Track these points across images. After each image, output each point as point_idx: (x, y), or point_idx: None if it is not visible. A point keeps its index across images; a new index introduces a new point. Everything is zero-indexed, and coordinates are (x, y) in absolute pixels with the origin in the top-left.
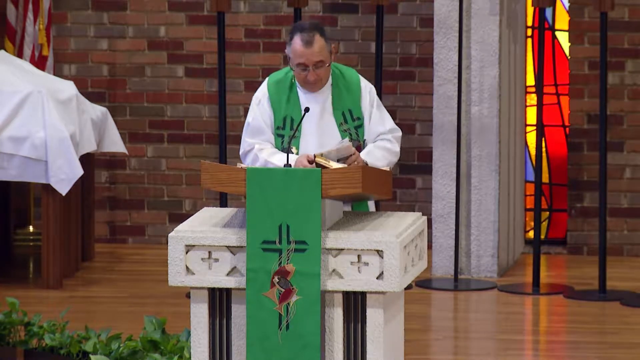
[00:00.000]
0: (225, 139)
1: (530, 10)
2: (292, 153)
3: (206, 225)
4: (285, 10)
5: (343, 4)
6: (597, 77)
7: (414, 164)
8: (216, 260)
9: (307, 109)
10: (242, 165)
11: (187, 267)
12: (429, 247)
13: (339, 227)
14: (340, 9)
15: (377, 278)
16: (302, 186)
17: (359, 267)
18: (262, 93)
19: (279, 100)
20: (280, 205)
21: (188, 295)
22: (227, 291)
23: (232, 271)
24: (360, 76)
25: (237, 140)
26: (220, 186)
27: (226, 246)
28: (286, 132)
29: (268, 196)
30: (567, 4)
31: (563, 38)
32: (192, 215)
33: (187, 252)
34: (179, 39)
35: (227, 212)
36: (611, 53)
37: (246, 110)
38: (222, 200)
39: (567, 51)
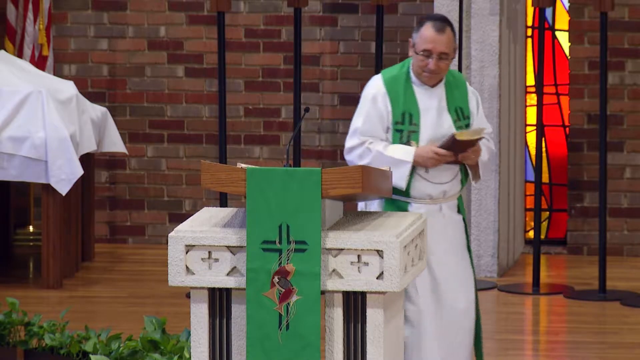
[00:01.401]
0: (225, 139)
1: (530, 10)
2: (412, 148)
3: (206, 225)
4: (285, 10)
5: (343, 4)
6: (597, 77)
7: None
8: (216, 260)
9: (306, 109)
10: (242, 165)
11: (187, 267)
12: None
13: (339, 227)
14: (340, 9)
15: (377, 278)
16: (302, 186)
17: (359, 267)
18: (377, 89)
19: (396, 96)
20: (280, 205)
21: (188, 295)
22: (227, 291)
23: (232, 271)
24: (465, 78)
25: (237, 140)
26: (220, 186)
27: (226, 246)
28: (405, 127)
29: (268, 196)
30: (567, 4)
31: (563, 38)
32: (192, 215)
33: (187, 252)
34: (179, 39)
35: (227, 212)
36: (611, 53)
37: (246, 110)
38: (222, 200)
39: (567, 51)
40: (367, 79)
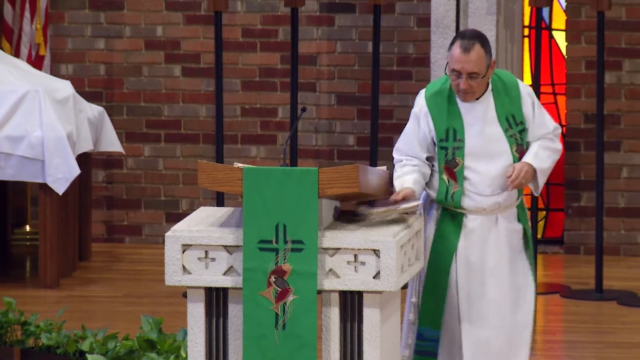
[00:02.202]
0: (222, 138)
1: (527, 9)
2: (457, 165)
3: (203, 224)
4: (282, 10)
5: (340, 3)
6: (594, 76)
7: None
8: (213, 259)
9: (303, 109)
10: (239, 165)
11: (183, 267)
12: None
13: (335, 226)
14: (338, 9)
15: (373, 277)
16: (299, 186)
17: (355, 267)
18: (419, 107)
19: (439, 113)
20: (277, 205)
21: (185, 295)
22: (224, 290)
23: (229, 270)
24: (518, 80)
25: (234, 140)
26: (217, 186)
27: (223, 245)
28: (449, 144)
29: (265, 195)
30: (564, 4)
31: (560, 37)
32: (189, 214)
33: (183, 252)
34: (176, 38)
35: (223, 211)
36: (608, 52)
37: (243, 110)
38: (219, 200)
39: (564, 51)
40: (364, 78)
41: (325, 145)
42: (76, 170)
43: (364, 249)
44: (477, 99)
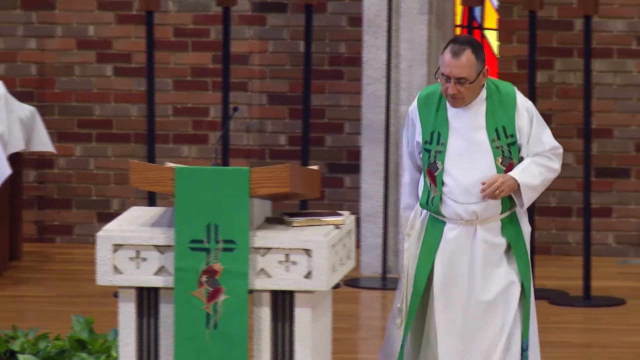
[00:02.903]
0: (153, 138)
1: (459, 9)
2: (438, 169)
3: (134, 224)
4: (214, 10)
5: (272, 3)
6: (526, 75)
7: (342, 163)
8: (144, 259)
9: (235, 108)
10: (171, 165)
11: (115, 267)
12: (357, 246)
13: (267, 226)
14: (269, 8)
15: (305, 277)
16: (230, 185)
17: (287, 266)
18: (412, 108)
19: (427, 114)
20: (209, 205)
21: (116, 295)
22: (155, 290)
23: (160, 270)
24: (517, 92)
25: (166, 139)
26: (148, 185)
27: (154, 245)
28: (432, 147)
29: (196, 195)
30: (496, 3)
31: (492, 37)
32: (121, 214)
33: (115, 252)
34: (108, 38)
35: (155, 211)
36: (540, 52)
37: (175, 110)
38: (151, 200)
39: (496, 50)
40: (296, 78)
41: (257, 144)
42: (7, 170)
43: (296, 249)
44: (468, 105)
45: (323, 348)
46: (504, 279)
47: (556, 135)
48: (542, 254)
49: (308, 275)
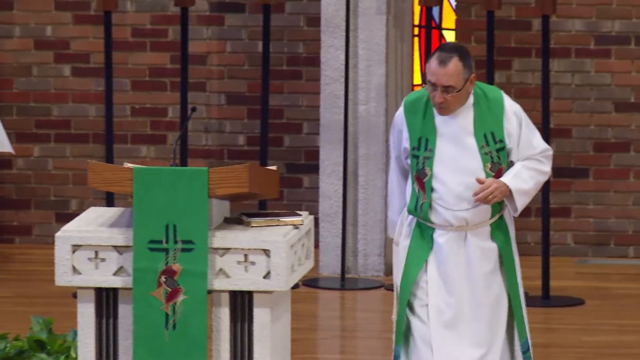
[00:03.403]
0: (112, 138)
1: (417, 9)
2: (427, 175)
3: (93, 225)
4: (172, 10)
5: (230, 3)
6: (484, 76)
7: (301, 163)
8: (103, 260)
9: (193, 109)
10: (129, 165)
11: (73, 267)
12: (316, 246)
13: (225, 226)
14: (227, 9)
15: (264, 277)
16: (189, 186)
17: (245, 267)
18: (398, 114)
19: (414, 120)
20: (167, 205)
21: (75, 295)
22: (114, 291)
23: (119, 271)
24: (505, 97)
25: (124, 139)
26: (107, 186)
27: (113, 246)
28: (420, 153)
29: (155, 196)
30: (454, 3)
31: (450, 37)
32: (79, 215)
33: (73, 252)
34: (66, 38)
35: (113, 211)
36: (498, 52)
37: (133, 110)
38: (109, 200)
39: None
40: (254, 78)
41: (216, 145)
42: None
43: (254, 249)
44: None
45: (282, 348)
46: (496, 291)
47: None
48: None
49: (267, 276)
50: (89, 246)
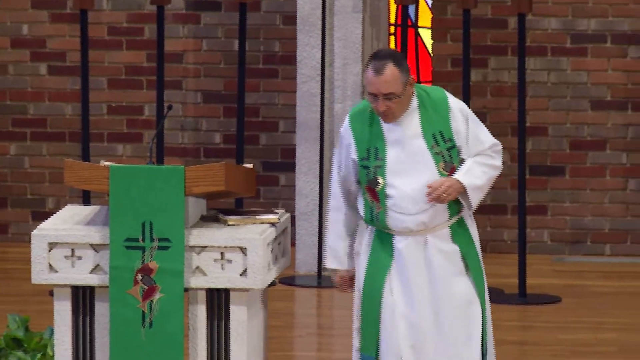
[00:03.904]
0: (88, 136)
1: (393, 7)
2: (379, 183)
3: (69, 223)
4: (148, 8)
5: (206, 1)
6: (460, 74)
7: (277, 161)
8: (79, 258)
9: (169, 107)
10: (106, 163)
11: (50, 265)
12: (293, 244)
13: (202, 224)
14: (203, 7)
15: (240, 275)
16: (165, 184)
17: (222, 264)
18: (344, 127)
19: (361, 131)
20: (144, 203)
21: (51, 293)
22: (91, 289)
23: (96, 269)
24: (448, 95)
25: (100, 138)
26: (83, 184)
27: (89, 244)
28: (370, 163)
29: (131, 194)
30: (430, 1)
31: (426, 35)
32: (56, 213)
33: (50, 250)
34: (42, 37)
35: (90, 209)
36: (474, 50)
37: (109, 108)
38: (85, 198)
39: (430, 48)
40: (230, 76)
41: (192, 143)
42: None
43: (231, 247)
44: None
45: (259, 346)
46: (465, 296)
47: (491, 133)
48: None
49: (243, 273)
50: (66, 244)
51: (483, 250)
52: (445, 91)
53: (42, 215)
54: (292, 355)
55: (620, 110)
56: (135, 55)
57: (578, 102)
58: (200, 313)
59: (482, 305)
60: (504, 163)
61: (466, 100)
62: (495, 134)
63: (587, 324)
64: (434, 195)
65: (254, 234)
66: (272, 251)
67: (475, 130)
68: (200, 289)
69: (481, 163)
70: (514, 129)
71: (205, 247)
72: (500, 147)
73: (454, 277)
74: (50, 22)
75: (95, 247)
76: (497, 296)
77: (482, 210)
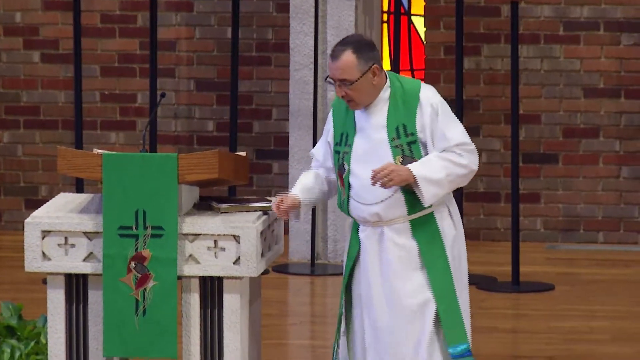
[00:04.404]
0: (81, 124)
1: None
2: (345, 170)
3: (62, 211)
4: None
5: None
6: (453, 62)
7: (270, 149)
8: (72, 246)
9: (162, 95)
10: (99, 151)
11: (43, 253)
12: (286, 232)
13: (195, 212)
14: None
15: (233, 263)
16: (158, 172)
17: (215, 252)
18: (330, 112)
19: (339, 116)
20: (137, 191)
21: (45, 281)
22: (84, 277)
23: (89, 257)
24: (423, 88)
25: (93, 126)
26: (76, 172)
27: (82, 232)
28: (341, 149)
29: (125, 181)
30: None
31: (419, 23)
32: (49, 201)
33: (43, 238)
34: (35, 24)
35: (83, 197)
36: (467, 38)
37: (102, 96)
38: (79, 186)
39: (423, 36)
40: (223, 64)
41: (185, 131)
42: None
43: (224, 235)
44: (370, 105)
45: (252, 334)
46: (420, 293)
47: (483, 122)
48: (471, 240)
49: (237, 261)
50: (59, 232)
51: (475, 238)
52: (423, 84)
53: (35, 203)
54: (285, 343)
55: (613, 98)
56: (128, 43)
57: (571, 90)
58: (193, 301)
59: (444, 305)
60: (496, 151)
61: (459, 88)
62: (488, 122)
63: (580, 311)
64: (377, 178)
65: (247, 222)
66: (265, 239)
67: (443, 127)
68: (194, 277)
69: (443, 158)
70: (507, 117)
71: (199, 235)
72: (471, 147)
73: (408, 273)
74: (43, 9)
75: (88, 235)
76: (490, 284)
77: (475, 198)
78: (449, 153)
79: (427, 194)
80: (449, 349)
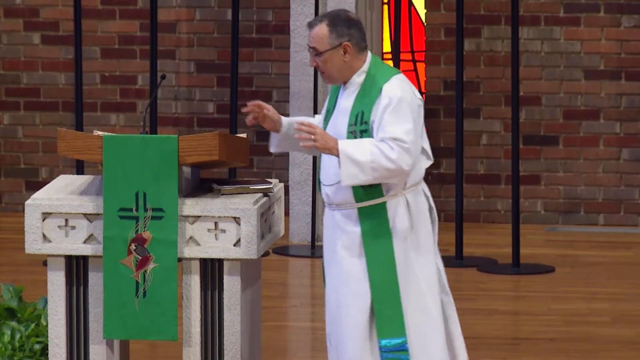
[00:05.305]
0: (81, 106)
1: None
2: None
3: (63, 193)
4: None
5: None
6: (454, 43)
7: None
8: (73, 227)
9: (163, 76)
10: (99, 133)
11: (43, 235)
12: (286, 214)
13: (196, 194)
14: None
15: (234, 245)
16: (159, 153)
17: (215, 234)
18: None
19: (333, 95)
20: (137, 173)
21: (45, 263)
22: (84, 259)
23: (89, 239)
24: (390, 82)
25: (94, 107)
26: (77, 154)
27: (83, 214)
28: (324, 125)
29: (125, 163)
30: None
31: (419, 4)
32: (49, 183)
33: (43, 220)
34: (35, 6)
35: (83, 179)
36: (467, 20)
37: (102, 78)
38: (79, 168)
39: (423, 18)
40: (224, 46)
41: (185, 112)
42: None
43: (225, 217)
44: (346, 85)
45: (253, 316)
46: (353, 283)
47: (484, 103)
48: (471, 222)
49: (237, 243)
50: (59, 214)
51: (476, 220)
52: (396, 77)
53: (35, 185)
54: (285, 325)
55: (614, 80)
56: (129, 25)
57: (571, 72)
58: (193, 283)
59: (379, 296)
60: (497, 133)
61: (459, 70)
62: (488, 103)
63: (581, 293)
64: (302, 130)
65: (247, 204)
66: (265, 221)
67: (388, 119)
68: (194, 259)
69: (374, 144)
70: (507, 99)
71: (199, 217)
72: (406, 145)
73: (351, 259)
74: None
75: (88, 217)
76: (491, 266)
77: (475, 180)
78: (381, 143)
79: (346, 172)
80: (380, 341)
